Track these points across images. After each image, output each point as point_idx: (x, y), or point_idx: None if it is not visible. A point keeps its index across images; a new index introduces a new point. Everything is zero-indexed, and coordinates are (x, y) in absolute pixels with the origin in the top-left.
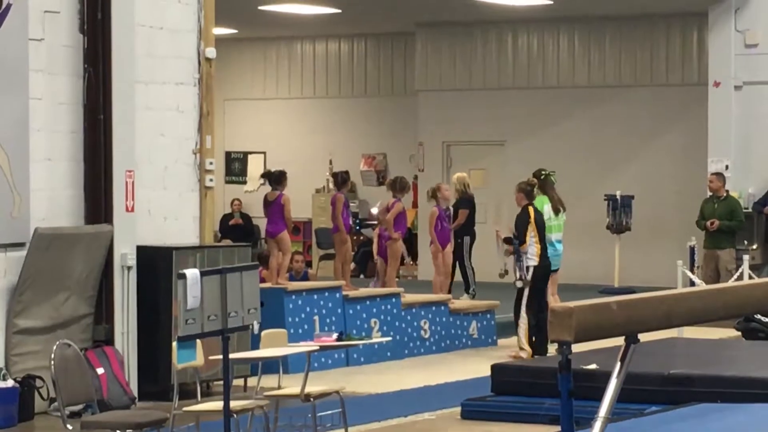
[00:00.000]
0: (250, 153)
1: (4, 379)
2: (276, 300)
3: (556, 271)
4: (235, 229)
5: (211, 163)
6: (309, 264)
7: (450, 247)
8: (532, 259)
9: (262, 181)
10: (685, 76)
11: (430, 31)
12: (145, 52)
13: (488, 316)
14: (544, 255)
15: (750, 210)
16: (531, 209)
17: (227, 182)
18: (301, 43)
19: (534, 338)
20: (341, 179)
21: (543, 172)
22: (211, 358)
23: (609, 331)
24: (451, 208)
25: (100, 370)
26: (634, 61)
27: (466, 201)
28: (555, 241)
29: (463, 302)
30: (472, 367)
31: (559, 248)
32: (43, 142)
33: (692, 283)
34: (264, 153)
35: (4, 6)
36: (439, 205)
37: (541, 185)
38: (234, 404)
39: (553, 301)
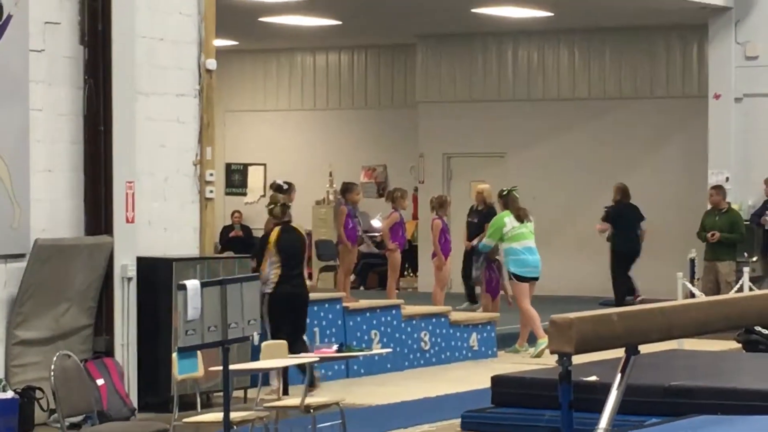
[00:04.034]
0: (251, 165)
1: (4, 390)
2: None
3: (536, 279)
4: (235, 240)
5: (211, 175)
6: (309, 275)
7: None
8: (267, 285)
9: (262, 192)
10: (685, 89)
11: (430, 43)
12: (146, 63)
13: (488, 327)
14: (284, 282)
15: (749, 222)
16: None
17: (227, 194)
18: (301, 54)
19: None
20: (341, 188)
21: (505, 190)
22: (211, 369)
23: (609, 342)
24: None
25: (100, 382)
26: (634, 73)
27: (491, 214)
28: (530, 248)
29: (463, 314)
30: (472, 378)
31: (535, 256)
32: (44, 153)
33: (692, 295)
34: (264, 165)
35: (4, 17)
36: (442, 218)
37: (504, 202)
38: (234, 415)
39: (530, 312)
